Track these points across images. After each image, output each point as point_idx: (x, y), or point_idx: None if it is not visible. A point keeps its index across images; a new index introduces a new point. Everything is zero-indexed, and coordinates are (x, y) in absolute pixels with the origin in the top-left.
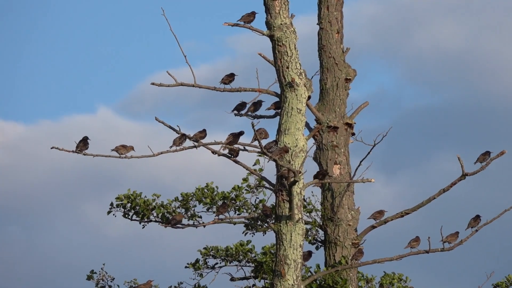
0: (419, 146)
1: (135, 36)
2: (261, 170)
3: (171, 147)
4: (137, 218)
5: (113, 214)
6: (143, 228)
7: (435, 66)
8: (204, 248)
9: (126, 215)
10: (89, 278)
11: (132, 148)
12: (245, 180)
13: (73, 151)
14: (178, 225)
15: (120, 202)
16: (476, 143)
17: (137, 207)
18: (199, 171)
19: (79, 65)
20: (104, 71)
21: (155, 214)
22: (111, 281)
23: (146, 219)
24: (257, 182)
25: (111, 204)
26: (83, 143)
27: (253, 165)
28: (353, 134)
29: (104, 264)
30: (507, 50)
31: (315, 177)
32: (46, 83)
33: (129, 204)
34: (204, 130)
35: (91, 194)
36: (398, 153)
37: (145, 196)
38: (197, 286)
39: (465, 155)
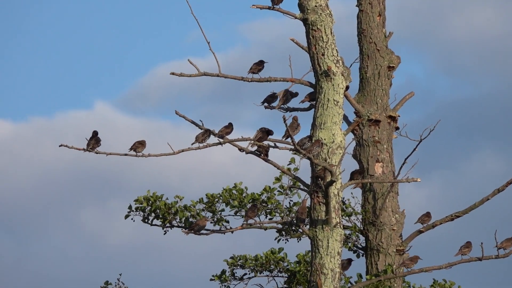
0: (456, 144)
1: (135, 29)
2: (296, 169)
3: (193, 143)
4: (158, 223)
5: (132, 219)
6: (164, 234)
7: (472, 55)
8: (231, 258)
9: (146, 220)
10: None
11: (145, 142)
12: (277, 179)
13: (84, 150)
14: (202, 231)
15: (140, 205)
16: None
17: (158, 211)
18: (207, 173)
19: (73, 58)
20: (102, 65)
21: (178, 219)
22: None
23: (168, 224)
24: (291, 183)
25: (130, 207)
26: (95, 140)
27: (288, 164)
28: (397, 128)
29: (120, 275)
30: None
31: (352, 177)
32: (36, 77)
33: (148, 208)
34: (231, 125)
35: (89, 199)
36: (432, 151)
37: (167, 199)
38: None
39: (509, 153)
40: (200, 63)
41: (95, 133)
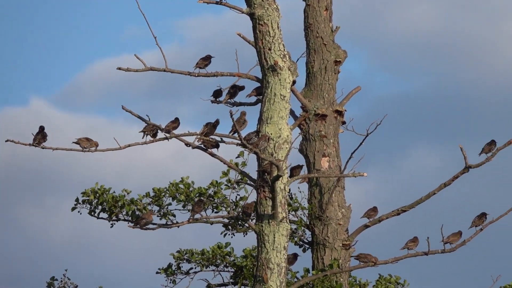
0: (393, 139)
1: (71, 25)
2: (244, 164)
3: (143, 137)
4: (105, 216)
5: (78, 211)
6: (111, 227)
7: (408, 50)
8: (178, 252)
9: (93, 213)
10: (50, 285)
11: (96, 144)
12: (224, 174)
13: (30, 144)
14: (148, 226)
15: (87, 198)
16: (457, 135)
17: (105, 204)
18: (144, 169)
19: (8, 53)
20: (37, 61)
21: (124, 212)
22: None
23: (115, 217)
24: (238, 177)
25: (77, 200)
26: (42, 136)
27: (236, 157)
28: (343, 123)
29: (66, 270)
30: (484, 30)
31: (292, 172)
32: None
33: (95, 200)
34: (177, 120)
35: (24, 195)
36: (368, 147)
37: (114, 192)
38: None
39: (444, 148)
40: (135, 58)
41: (41, 128)
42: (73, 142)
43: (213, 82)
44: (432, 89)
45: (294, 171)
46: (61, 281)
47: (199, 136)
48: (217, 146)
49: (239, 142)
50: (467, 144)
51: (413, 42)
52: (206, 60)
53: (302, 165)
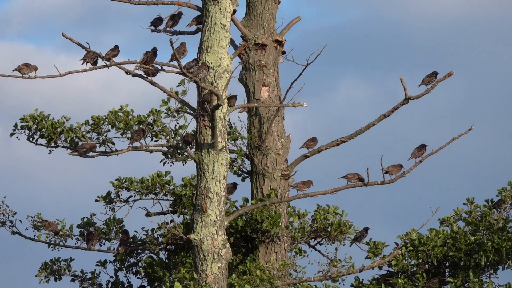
0: (322, 71)
1: None
2: (184, 93)
3: (83, 63)
4: (43, 143)
5: (17, 137)
6: (49, 153)
7: None
8: (117, 180)
9: (31, 138)
10: None
11: (35, 67)
12: (164, 102)
13: None
14: (88, 153)
15: (25, 124)
16: (379, 68)
17: (44, 130)
18: (72, 99)
19: None
20: None
21: (63, 139)
22: (13, 216)
23: (53, 144)
24: (178, 106)
25: (15, 126)
26: None
27: (177, 86)
28: (283, 52)
29: (5, 197)
30: None
31: (229, 102)
32: None
33: (34, 126)
34: (117, 47)
35: None
36: (307, 77)
37: (53, 118)
38: (111, 219)
39: (373, 80)
40: None
41: None
42: (13, 70)
43: (141, 11)
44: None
45: (229, 101)
46: (0, 208)
47: (139, 64)
48: (154, 75)
49: (179, 70)
50: (383, 76)
51: None
52: None
53: (236, 95)
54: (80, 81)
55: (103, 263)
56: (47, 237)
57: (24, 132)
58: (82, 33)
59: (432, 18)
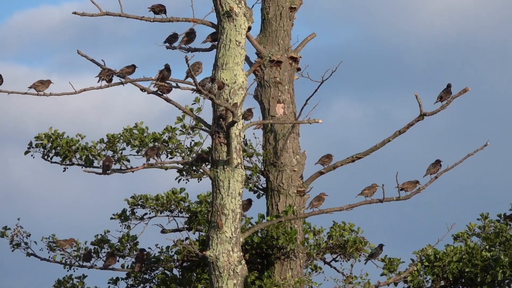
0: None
1: None
2: (199, 110)
3: (98, 81)
4: (58, 160)
5: (31, 155)
6: (64, 171)
7: (330, 4)
8: (132, 197)
9: (46, 157)
10: (2, 234)
11: (50, 82)
12: (179, 119)
13: None
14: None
15: (40, 142)
16: (372, 88)
17: (59, 148)
18: (65, 119)
19: None
20: None
21: (78, 156)
22: (27, 238)
23: (68, 162)
24: (194, 123)
25: (30, 144)
26: None
27: (192, 104)
28: (298, 69)
29: (19, 219)
30: None
31: (244, 116)
32: None
33: (49, 144)
34: (133, 66)
35: None
36: (322, 93)
37: (68, 136)
38: (126, 236)
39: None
40: (55, 10)
41: None
42: (29, 88)
43: (135, 32)
44: (356, 42)
45: (245, 114)
46: (14, 230)
47: (154, 81)
48: (169, 91)
49: (194, 87)
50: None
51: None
52: (162, 6)
53: (252, 108)
54: (72, 102)
55: (115, 281)
56: (62, 257)
57: (39, 150)
58: (74, 54)
59: (425, 38)
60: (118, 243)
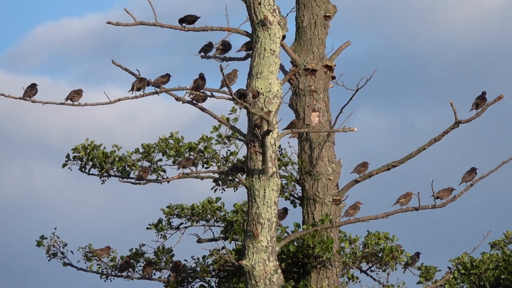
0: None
1: None
2: (236, 119)
3: (130, 91)
4: (95, 172)
5: (69, 168)
6: (102, 183)
7: (350, 14)
8: (168, 207)
9: (83, 169)
10: (39, 244)
11: (82, 91)
12: (215, 129)
13: (20, 98)
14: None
15: (77, 154)
16: (395, 97)
17: (95, 160)
18: (91, 130)
19: None
20: None
21: (115, 168)
22: (64, 247)
23: (105, 173)
24: (229, 132)
25: (67, 156)
26: (31, 88)
27: (229, 114)
28: (333, 77)
29: (55, 228)
30: None
31: (289, 127)
32: None
33: (86, 157)
34: (168, 75)
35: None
36: (357, 102)
37: (105, 148)
38: (161, 248)
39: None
40: (78, 22)
41: (33, 84)
42: (65, 99)
43: (158, 43)
44: (378, 51)
45: (293, 124)
46: (51, 239)
47: (189, 91)
48: (204, 101)
49: (229, 97)
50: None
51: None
52: (193, 16)
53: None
54: (97, 114)
55: None
56: (98, 267)
57: (76, 162)
58: (96, 66)
59: (447, 47)
60: (154, 257)
